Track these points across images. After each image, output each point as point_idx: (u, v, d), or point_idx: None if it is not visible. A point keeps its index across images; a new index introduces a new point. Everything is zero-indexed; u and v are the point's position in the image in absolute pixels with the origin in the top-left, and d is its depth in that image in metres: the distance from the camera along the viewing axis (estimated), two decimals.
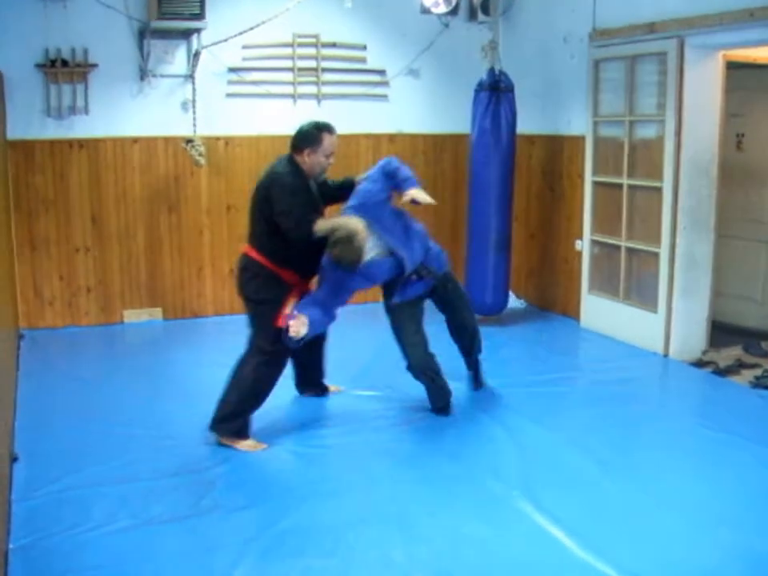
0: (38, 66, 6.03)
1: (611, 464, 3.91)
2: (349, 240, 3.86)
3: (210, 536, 3.27)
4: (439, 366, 4.49)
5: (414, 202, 4.25)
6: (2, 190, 5.26)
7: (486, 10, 6.81)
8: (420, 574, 3.00)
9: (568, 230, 6.63)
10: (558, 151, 6.68)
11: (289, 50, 6.72)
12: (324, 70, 6.84)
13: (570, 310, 6.65)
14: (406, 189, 4.22)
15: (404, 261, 4.25)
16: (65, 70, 6.06)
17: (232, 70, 6.58)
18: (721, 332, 5.94)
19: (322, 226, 3.94)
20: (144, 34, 6.18)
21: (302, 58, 6.76)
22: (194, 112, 6.43)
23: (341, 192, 4.37)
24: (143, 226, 6.50)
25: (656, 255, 5.64)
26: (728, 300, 6.19)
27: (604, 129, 6.12)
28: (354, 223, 3.93)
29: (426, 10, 6.67)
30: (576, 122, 6.39)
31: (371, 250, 4.12)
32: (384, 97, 7.08)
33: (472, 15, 7.08)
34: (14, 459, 3.85)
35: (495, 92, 6.22)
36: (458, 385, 4.78)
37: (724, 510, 3.46)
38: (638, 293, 5.91)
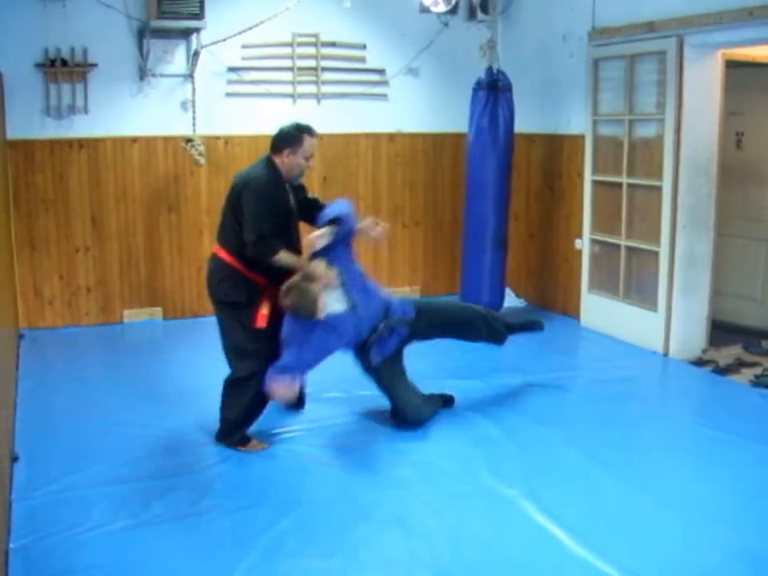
0: (38, 65, 6.03)
1: (611, 463, 3.92)
2: (305, 289, 3.82)
3: (209, 536, 3.28)
4: (430, 396, 4.48)
5: (369, 234, 4.28)
6: (2, 190, 5.27)
7: (485, 8, 6.81)
8: (420, 573, 3.01)
9: (568, 229, 6.63)
10: (557, 150, 6.68)
11: (288, 50, 6.72)
12: (323, 69, 6.84)
13: (569, 309, 6.65)
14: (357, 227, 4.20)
15: (361, 321, 4.12)
16: (64, 69, 6.06)
17: (231, 69, 6.58)
18: (721, 331, 5.94)
19: (284, 258, 3.93)
20: (143, 33, 6.18)
21: (301, 57, 6.76)
22: (194, 111, 6.43)
23: (310, 210, 4.29)
24: (143, 226, 6.50)
25: (656, 254, 5.64)
26: (728, 299, 6.19)
27: (603, 128, 6.12)
28: (320, 273, 3.90)
29: (425, 10, 6.66)
30: (575, 121, 6.39)
31: (337, 301, 4.05)
32: (383, 96, 7.08)
33: (471, 14, 7.08)
34: (15, 459, 3.85)
35: (493, 91, 6.23)
36: (463, 383, 4.79)
37: (723, 509, 3.47)
38: (637, 292, 5.91)
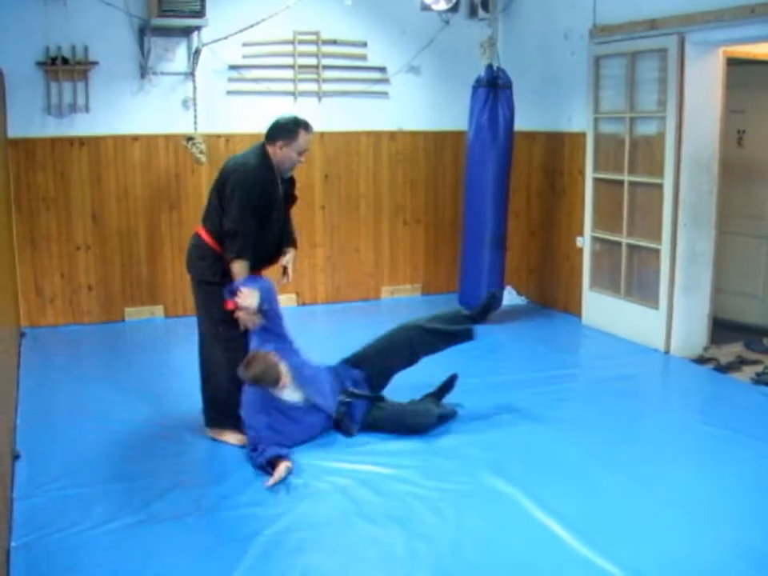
0: (39, 63, 6.03)
1: (611, 460, 3.92)
2: (264, 356, 3.91)
3: (210, 534, 3.28)
4: (433, 403, 4.41)
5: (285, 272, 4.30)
6: (3, 189, 5.27)
7: (486, 6, 6.81)
8: (421, 571, 3.00)
9: (569, 226, 6.63)
10: (558, 148, 6.68)
11: (289, 48, 6.71)
12: (324, 67, 6.84)
13: (571, 307, 6.65)
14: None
15: (322, 406, 4.13)
16: (65, 67, 6.06)
17: (232, 67, 6.58)
18: (722, 328, 5.93)
19: (238, 268, 3.96)
20: (144, 31, 6.18)
21: (302, 55, 6.76)
22: (195, 109, 6.42)
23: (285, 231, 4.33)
24: (144, 224, 6.50)
25: (657, 252, 5.64)
26: (729, 296, 6.19)
27: (605, 125, 6.11)
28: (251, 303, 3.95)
29: (426, 7, 6.66)
30: (577, 119, 6.39)
31: (293, 392, 4.06)
32: (384, 94, 7.08)
33: (472, 12, 7.08)
34: (16, 457, 3.86)
35: (493, 89, 6.22)
36: (462, 382, 4.77)
37: (725, 507, 3.46)
38: (638, 289, 5.91)
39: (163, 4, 5.80)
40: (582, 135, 6.27)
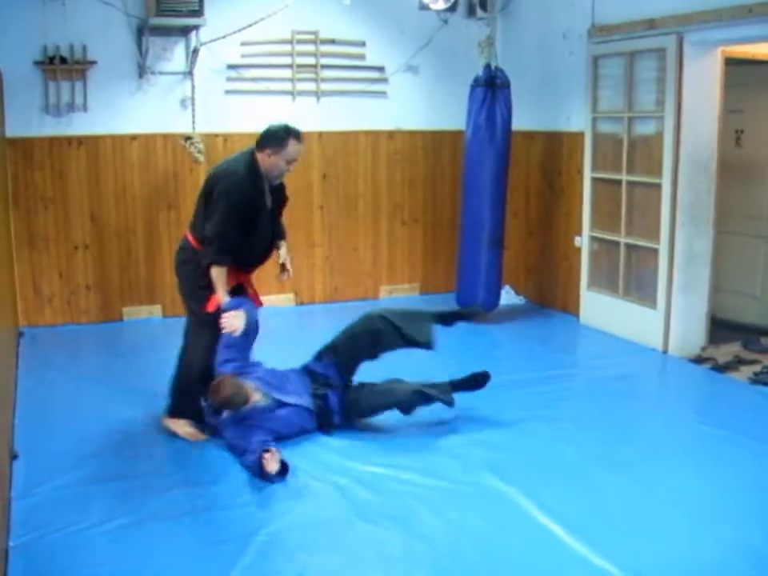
0: (37, 63, 6.02)
1: (610, 460, 3.92)
2: (234, 379, 3.96)
3: (208, 533, 3.28)
4: (421, 386, 4.38)
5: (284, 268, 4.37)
6: (1, 188, 5.26)
7: (484, 6, 6.80)
8: (420, 571, 3.01)
9: (567, 226, 6.63)
10: (557, 148, 6.68)
11: (288, 47, 6.71)
12: (323, 66, 6.83)
13: (569, 307, 6.65)
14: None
15: (299, 404, 4.17)
16: (63, 67, 6.06)
17: (231, 66, 6.58)
18: (720, 328, 5.94)
19: (216, 275, 4.01)
20: (142, 30, 6.18)
21: (300, 54, 6.75)
22: (193, 109, 6.42)
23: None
24: (142, 223, 6.50)
25: (655, 251, 5.64)
26: (727, 296, 6.20)
27: (603, 125, 6.11)
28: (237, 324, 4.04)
29: (424, 7, 6.65)
30: (575, 119, 6.39)
31: (267, 402, 4.08)
32: (383, 93, 7.08)
33: (471, 11, 7.08)
34: (14, 457, 3.85)
35: (491, 88, 6.21)
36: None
37: (723, 506, 3.47)
38: (637, 289, 5.91)
39: (161, 3, 5.79)
40: (581, 135, 6.27)
